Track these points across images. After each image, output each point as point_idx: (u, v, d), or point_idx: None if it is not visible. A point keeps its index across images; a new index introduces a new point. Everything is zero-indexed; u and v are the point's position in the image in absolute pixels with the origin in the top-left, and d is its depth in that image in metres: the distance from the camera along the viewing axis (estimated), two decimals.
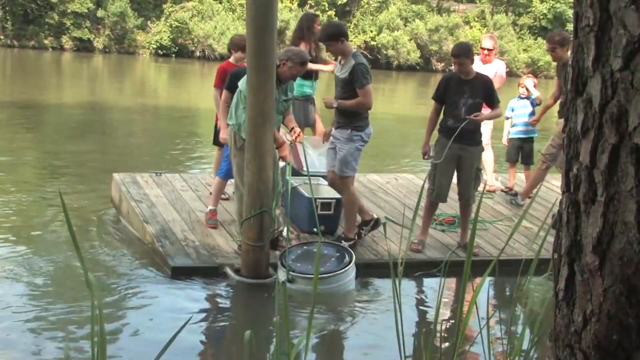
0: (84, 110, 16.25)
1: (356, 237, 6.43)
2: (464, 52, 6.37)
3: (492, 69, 8.22)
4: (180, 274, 5.79)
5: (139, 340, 4.79)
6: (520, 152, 8.52)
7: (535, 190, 7.56)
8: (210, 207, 6.77)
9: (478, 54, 8.54)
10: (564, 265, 1.51)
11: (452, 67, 8.83)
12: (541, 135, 9.54)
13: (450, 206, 7.71)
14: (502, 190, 8.46)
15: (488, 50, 8.20)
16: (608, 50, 1.37)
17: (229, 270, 5.83)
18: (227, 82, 6.31)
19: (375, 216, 6.54)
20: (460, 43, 6.78)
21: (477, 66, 8.31)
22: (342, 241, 6.27)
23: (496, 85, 8.27)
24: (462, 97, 6.35)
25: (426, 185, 6.35)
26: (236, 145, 6.01)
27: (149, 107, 17.56)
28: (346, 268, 5.68)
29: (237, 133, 5.97)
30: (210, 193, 7.03)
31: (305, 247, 5.88)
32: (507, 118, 8.61)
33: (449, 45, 33.90)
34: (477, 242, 6.68)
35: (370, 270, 6.05)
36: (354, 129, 6.23)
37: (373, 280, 6.03)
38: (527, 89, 8.52)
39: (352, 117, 6.24)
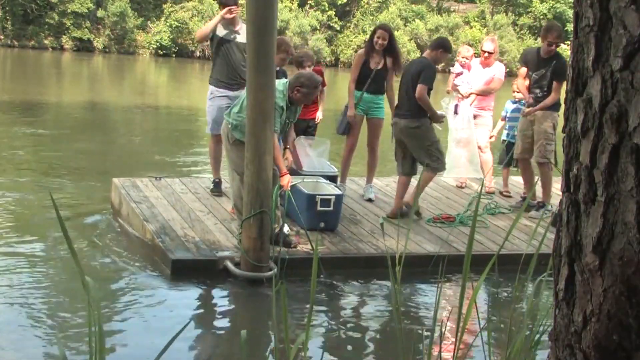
0: (83, 110, 16.26)
1: None
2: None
3: (491, 72, 8.23)
4: (181, 268, 5.79)
5: (138, 341, 4.78)
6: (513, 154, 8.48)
7: (534, 190, 7.54)
8: None
9: (478, 56, 8.53)
10: (564, 265, 1.51)
11: (452, 67, 8.84)
12: None
13: (450, 205, 7.72)
14: (500, 193, 8.42)
15: (489, 53, 8.20)
16: (608, 50, 1.37)
17: (229, 264, 5.83)
18: None
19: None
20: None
21: (477, 69, 8.32)
22: None
23: (494, 86, 8.28)
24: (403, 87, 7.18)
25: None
26: (229, 141, 6.11)
27: (149, 107, 17.56)
28: None
29: (230, 131, 6.05)
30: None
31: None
32: (503, 119, 8.58)
33: None
34: (478, 239, 6.68)
35: (369, 270, 6.05)
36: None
37: (372, 278, 6.03)
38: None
39: None
